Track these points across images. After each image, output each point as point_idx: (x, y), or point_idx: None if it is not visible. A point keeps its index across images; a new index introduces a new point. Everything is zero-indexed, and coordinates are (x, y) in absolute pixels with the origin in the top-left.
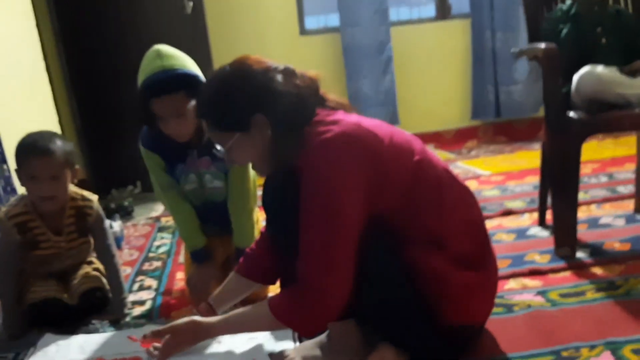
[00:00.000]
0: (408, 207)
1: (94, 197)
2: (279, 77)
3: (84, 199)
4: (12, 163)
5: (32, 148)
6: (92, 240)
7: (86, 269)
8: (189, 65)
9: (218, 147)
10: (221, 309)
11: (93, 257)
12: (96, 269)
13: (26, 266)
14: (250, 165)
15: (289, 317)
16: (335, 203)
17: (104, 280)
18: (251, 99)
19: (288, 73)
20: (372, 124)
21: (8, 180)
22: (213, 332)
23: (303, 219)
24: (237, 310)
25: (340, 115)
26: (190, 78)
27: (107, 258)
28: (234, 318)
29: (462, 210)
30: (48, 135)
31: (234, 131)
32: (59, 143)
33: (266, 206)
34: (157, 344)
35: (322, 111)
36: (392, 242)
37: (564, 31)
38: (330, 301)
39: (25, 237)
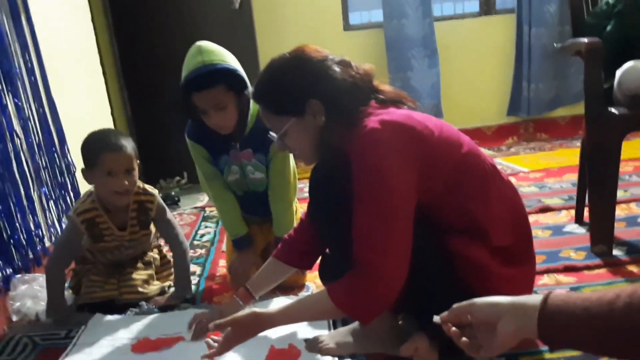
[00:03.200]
0: (455, 194)
1: (155, 192)
2: (335, 66)
3: (146, 192)
4: (75, 155)
5: (105, 144)
6: (153, 231)
7: (141, 273)
8: (229, 60)
9: (271, 133)
10: (259, 293)
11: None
12: (150, 263)
13: (89, 255)
14: (291, 157)
15: (350, 302)
16: (388, 186)
17: (150, 287)
18: (307, 84)
19: (344, 63)
20: (423, 117)
21: (68, 168)
22: (274, 322)
23: (357, 203)
24: (296, 299)
25: (391, 109)
26: (230, 72)
27: (175, 247)
28: (293, 308)
29: (507, 203)
30: (114, 132)
31: (289, 115)
32: (125, 138)
33: (313, 194)
34: (215, 337)
35: (375, 104)
36: (436, 232)
37: (608, 27)
38: (392, 282)
39: (92, 232)
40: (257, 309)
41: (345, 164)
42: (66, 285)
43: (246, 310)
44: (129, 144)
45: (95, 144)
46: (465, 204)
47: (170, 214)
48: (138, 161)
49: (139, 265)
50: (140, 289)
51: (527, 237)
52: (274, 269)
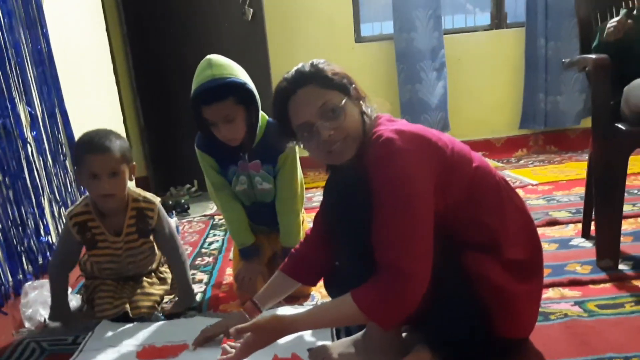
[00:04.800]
0: (469, 204)
1: (157, 200)
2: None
3: (146, 200)
4: None
5: (89, 146)
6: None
7: (154, 289)
8: (238, 73)
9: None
10: (265, 306)
11: (161, 266)
12: (156, 284)
13: (90, 268)
14: (298, 167)
15: (373, 306)
16: (412, 191)
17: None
18: (346, 75)
19: None
20: (435, 132)
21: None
22: (296, 327)
23: (379, 210)
24: (318, 305)
25: (404, 122)
26: (239, 86)
27: (174, 260)
28: (315, 313)
29: (520, 217)
30: (104, 133)
31: (342, 94)
32: (115, 140)
33: (329, 202)
34: (231, 343)
35: (385, 116)
36: (451, 246)
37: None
38: (417, 286)
39: (84, 237)
40: (279, 313)
41: (362, 171)
42: (73, 292)
43: (267, 316)
44: (116, 146)
45: (80, 145)
46: (480, 214)
47: (171, 226)
48: (134, 163)
49: (153, 280)
50: (149, 305)
51: (539, 251)
52: (280, 283)
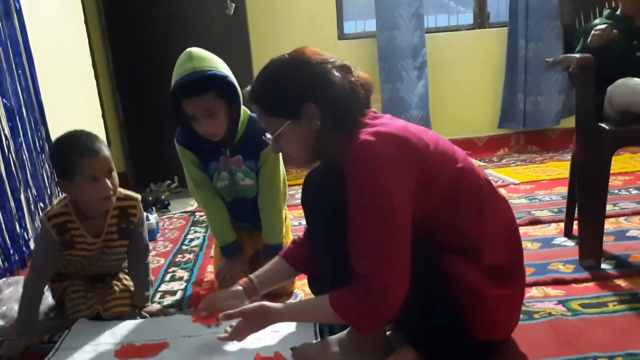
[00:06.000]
0: (449, 209)
1: (138, 196)
2: (335, 71)
3: (128, 198)
4: None
5: (83, 150)
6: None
7: (118, 291)
8: (220, 67)
9: (267, 134)
10: (263, 291)
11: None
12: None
13: (62, 268)
14: (281, 163)
15: (351, 314)
16: (386, 199)
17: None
18: (305, 87)
19: (345, 69)
20: (419, 129)
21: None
22: (280, 317)
23: (353, 216)
24: (301, 300)
25: (387, 118)
26: (220, 79)
27: (141, 259)
28: (299, 307)
29: (501, 220)
30: (85, 134)
31: (285, 117)
32: (96, 138)
33: (305, 203)
34: (228, 328)
35: (371, 112)
36: (430, 250)
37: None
38: (394, 297)
39: (63, 238)
40: (265, 302)
41: (339, 174)
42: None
43: (256, 303)
44: (103, 144)
45: (71, 152)
46: (460, 219)
47: (145, 227)
48: None
49: (119, 284)
50: (123, 304)
51: (519, 255)
52: (280, 269)
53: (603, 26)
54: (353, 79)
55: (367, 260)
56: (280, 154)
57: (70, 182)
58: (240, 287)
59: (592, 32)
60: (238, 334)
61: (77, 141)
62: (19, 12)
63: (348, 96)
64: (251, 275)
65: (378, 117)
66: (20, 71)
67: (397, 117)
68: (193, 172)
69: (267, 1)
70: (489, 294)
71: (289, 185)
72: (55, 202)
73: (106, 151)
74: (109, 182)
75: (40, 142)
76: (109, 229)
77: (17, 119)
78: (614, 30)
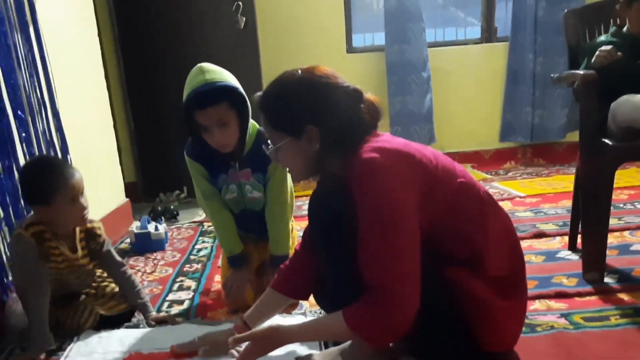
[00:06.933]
0: (453, 219)
1: (100, 222)
2: (345, 96)
3: (91, 221)
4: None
5: (61, 177)
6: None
7: (110, 292)
8: (230, 80)
9: (269, 142)
10: (256, 325)
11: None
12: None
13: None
14: (288, 176)
15: (367, 329)
16: (396, 213)
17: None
18: (309, 109)
19: (355, 95)
20: (419, 145)
21: None
22: (291, 339)
23: (364, 231)
24: (313, 319)
25: (387, 136)
26: (232, 90)
27: (122, 274)
28: (311, 326)
29: (503, 232)
30: (55, 159)
31: (286, 134)
32: (65, 163)
33: (313, 221)
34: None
35: (375, 132)
36: (434, 261)
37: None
38: (409, 309)
39: (42, 247)
40: (275, 324)
41: (345, 190)
42: None
43: (265, 326)
44: (72, 167)
45: (49, 177)
46: (464, 229)
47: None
48: None
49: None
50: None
51: (522, 267)
52: (271, 300)
53: (608, 47)
54: (362, 104)
55: (378, 272)
56: None
57: (48, 206)
58: (234, 331)
59: (597, 52)
60: (248, 357)
61: (53, 167)
62: (35, 23)
63: (352, 122)
64: (243, 317)
65: (379, 135)
66: (37, 85)
67: (405, 130)
68: (202, 185)
69: (277, 15)
70: (494, 305)
71: (296, 197)
72: (25, 218)
73: (78, 173)
74: (82, 203)
75: (55, 152)
76: (81, 244)
77: (32, 130)
78: (619, 53)
